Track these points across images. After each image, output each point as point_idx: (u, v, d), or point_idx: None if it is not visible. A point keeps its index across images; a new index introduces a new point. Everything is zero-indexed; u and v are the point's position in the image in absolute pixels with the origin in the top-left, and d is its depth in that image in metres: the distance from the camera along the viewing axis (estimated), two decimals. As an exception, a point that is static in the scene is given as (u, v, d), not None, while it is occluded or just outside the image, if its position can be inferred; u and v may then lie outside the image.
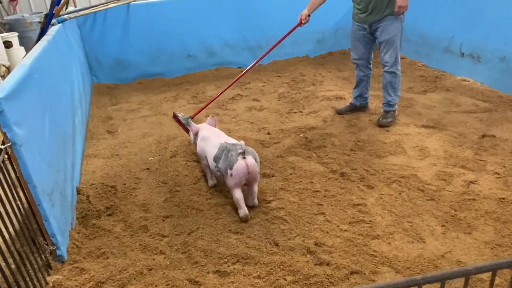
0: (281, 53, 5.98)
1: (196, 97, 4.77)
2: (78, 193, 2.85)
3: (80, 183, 3.03)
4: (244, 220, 2.51)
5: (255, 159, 2.53)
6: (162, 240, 2.41)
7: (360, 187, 2.81)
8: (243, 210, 2.50)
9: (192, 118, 3.67)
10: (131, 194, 2.88)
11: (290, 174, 3.00)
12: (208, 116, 3.36)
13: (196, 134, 3.02)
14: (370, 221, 2.44)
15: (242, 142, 2.50)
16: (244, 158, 2.49)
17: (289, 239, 2.32)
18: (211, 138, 2.81)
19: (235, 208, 2.65)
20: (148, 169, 3.20)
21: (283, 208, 2.61)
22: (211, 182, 2.91)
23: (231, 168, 2.51)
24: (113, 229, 2.53)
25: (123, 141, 3.77)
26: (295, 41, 5.86)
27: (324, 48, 6.14)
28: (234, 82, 3.61)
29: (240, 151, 2.49)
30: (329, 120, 3.94)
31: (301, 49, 6.07)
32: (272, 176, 2.99)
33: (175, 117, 3.73)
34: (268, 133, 3.72)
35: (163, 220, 2.61)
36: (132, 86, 5.38)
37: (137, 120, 4.28)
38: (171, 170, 3.16)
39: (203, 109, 3.78)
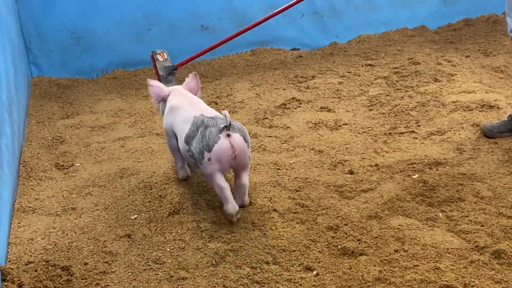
0: (374, 21, 5.98)
1: (217, 103, 4.85)
2: (4, 279, 2.86)
3: (8, 260, 3.06)
4: (232, 217, 3.19)
5: (244, 138, 3.14)
6: None
7: (535, 280, 2.73)
8: (232, 205, 3.18)
9: (175, 68, 4.28)
10: (98, 284, 2.91)
11: (396, 251, 3.01)
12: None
13: (162, 100, 3.63)
14: None
15: (226, 112, 3.01)
16: (228, 135, 3.08)
17: None
18: (183, 109, 3.38)
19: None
20: (129, 236, 3.28)
21: (382, 319, 2.58)
22: (182, 173, 3.60)
23: (209, 150, 3.09)
24: None
25: (85, 184, 3.82)
26: (400, -2, 5.83)
27: (456, 13, 6.17)
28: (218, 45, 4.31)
29: (222, 125, 3.04)
30: (469, 148, 3.95)
31: (412, 13, 6.07)
32: (361, 254, 3.01)
33: (152, 58, 4.25)
34: (351, 172, 3.77)
35: (158, 336, 2.58)
36: (101, 83, 5.46)
37: (109, 146, 4.33)
38: (171, 238, 3.22)
39: (194, 58, 4.23)
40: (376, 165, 3.80)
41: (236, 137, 3.11)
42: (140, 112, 4.85)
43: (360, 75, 5.22)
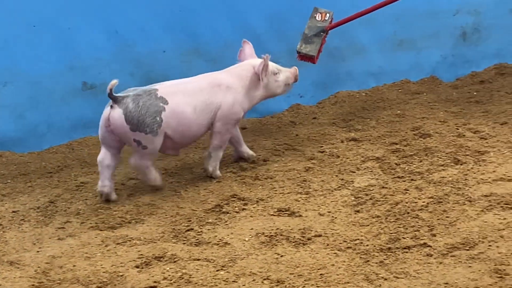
0: (358, 72, 5.68)
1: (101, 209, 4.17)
2: None
3: None
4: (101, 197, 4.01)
5: (127, 119, 3.67)
6: None
7: None
8: (99, 185, 3.88)
9: (324, 31, 4.81)
10: None
11: None
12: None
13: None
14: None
15: (113, 81, 3.66)
16: (111, 106, 3.72)
17: None
18: None
19: None
20: None
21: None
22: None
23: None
24: None
25: None
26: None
27: (482, 55, 5.79)
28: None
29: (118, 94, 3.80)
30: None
31: (417, 58, 5.71)
32: None
33: (317, 11, 4.95)
34: None
35: None
36: None
37: None
38: None
39: (347, 21, 4.82)
40: None
41: (116, 113, 3.66)
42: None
43: (339, 156, 4.59)
